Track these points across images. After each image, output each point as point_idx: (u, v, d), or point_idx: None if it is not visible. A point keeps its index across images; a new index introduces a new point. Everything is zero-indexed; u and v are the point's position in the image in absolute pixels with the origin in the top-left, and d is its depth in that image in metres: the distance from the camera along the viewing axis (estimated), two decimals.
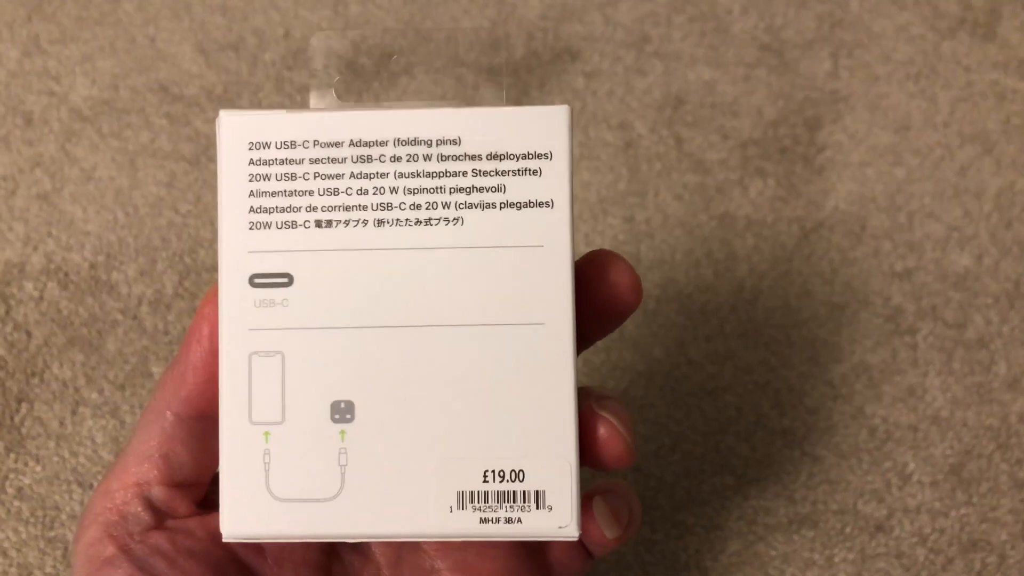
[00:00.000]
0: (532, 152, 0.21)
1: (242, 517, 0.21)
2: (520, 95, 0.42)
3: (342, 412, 0.21)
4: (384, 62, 0.43)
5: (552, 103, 0.42)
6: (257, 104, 0.42)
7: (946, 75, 0.42)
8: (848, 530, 0.34)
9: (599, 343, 0.37)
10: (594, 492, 0.24)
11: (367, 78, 0.42)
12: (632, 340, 0.38)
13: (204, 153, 0.40)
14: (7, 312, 0.37)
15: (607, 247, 0.39)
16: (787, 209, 0.40)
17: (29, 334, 0.37)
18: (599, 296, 0.22)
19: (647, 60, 0.43)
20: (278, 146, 0.21)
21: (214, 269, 0.38)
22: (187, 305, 0.38)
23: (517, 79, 0.42)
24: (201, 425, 0.23)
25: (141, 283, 0.38)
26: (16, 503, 0.34)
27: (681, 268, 0.39)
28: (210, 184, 0.40)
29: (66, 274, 0.38)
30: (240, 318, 0.21)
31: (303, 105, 0.42)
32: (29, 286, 0.38)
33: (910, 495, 0.35)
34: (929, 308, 0.38)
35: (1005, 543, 0.34)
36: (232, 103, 0.41)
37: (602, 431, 0.22)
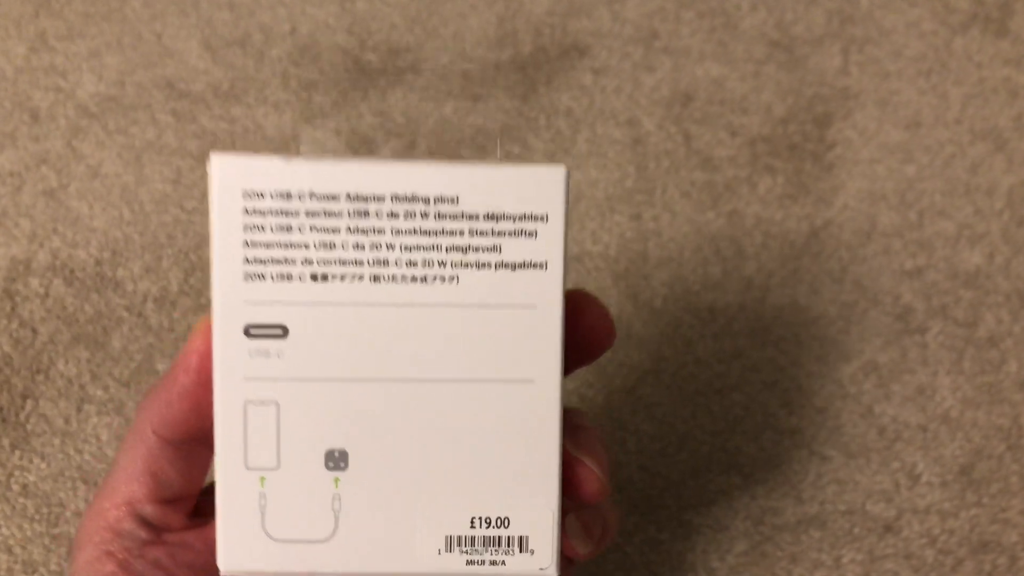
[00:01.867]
0: (528, 214, 0.21)
1: (238, 554, 0.22)
2: (528, 92, 0.42)
3: (336, 460, 0.22)
4: (391, 59, 0.43)
5: (560, 100, 0.42)
6: (263, 101, 0.41)
7: (957, 71, 0.42)
8: (856, 530, 0.34)
9: None
10: (569, 507, 0.25)
11: (373, 76, 0.42)
12: (639, 338, 0.37)
13: (210, 149, 0.40)
14: (13, 309, 0.37)
15: (614, 245, 0.39)
16: (796, 207, 0.40)
17: (35, 331, 0.37)
18: (575, 336, 0.23)
19: (655, 56, 0.42)
20: (273, 196, 0.21)
21: None
22: (192, 302, 0.37)
23: (525, 75, 0.42)
24: (187, 446, 0.23)
25: (146, 280, 0.38)
26: (21, 500, 0.34)
27: (689, 266, 0.39)
28: None
29: (72, 271, 0.38)
30: (235, 367, 0.21)
31: (308, 102, 0.42)
32: (35, 283, 0.38)
33: (919, 495, 0.35)
34: (939, 307, 0.38)
35: (1015, 544, 0.34)
36: (238, 99, 0.41)
37: (579, 472, 0.23)
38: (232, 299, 0.21)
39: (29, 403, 0.36)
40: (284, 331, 0.21)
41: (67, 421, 0.35)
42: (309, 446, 0.21)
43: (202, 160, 0.40)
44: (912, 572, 0.34)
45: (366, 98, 0.41)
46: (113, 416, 0.35)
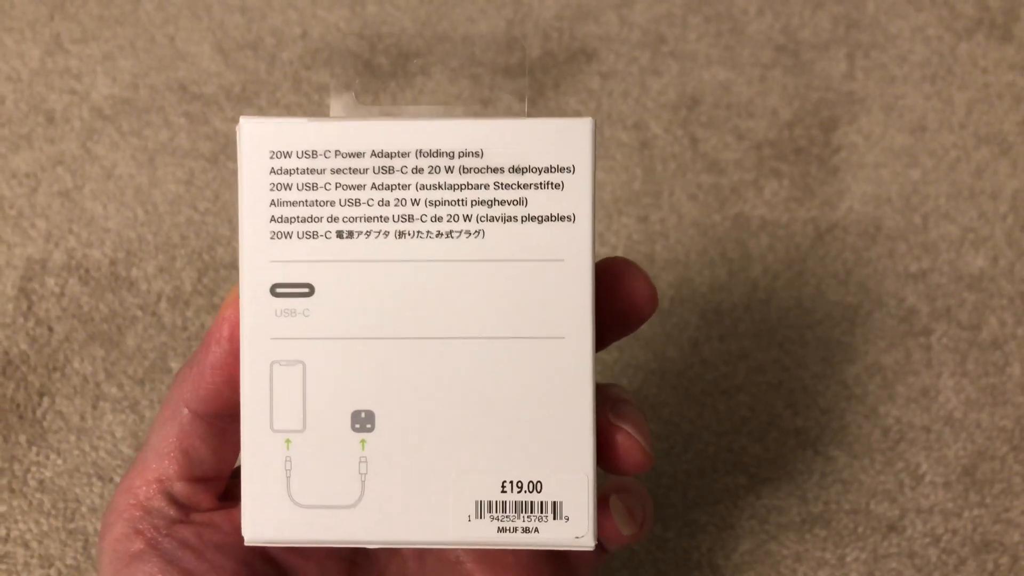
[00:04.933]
0: (555, 166, 0.21)
1: (263, 521, 0.21)
2: (536, 95, 0.42)
3: (363, 422, 0.21)
4: (401, 63, 0.43)
5: (568, 103, 0.42)
6: (275, 104, 0.42)
7: (962, 76, 0.42)
8: (860, 530, 0.34)
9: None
10: (610, 490, 0.25)
11: (384, 79, 0.43)
12: (646, 339, 0.38)
13: (222, 151, 0.41)
14: (29, 308, 0.38)
15: (621, 247, 0.39)
16: (802, 210, 0.40)
17: (51, 329, 0.38)
18: (615, 304, 0.22)
19: (662, 60, 0.43)
20: (299, 155, 0.21)
21: (232, 266, 0.39)
22: (205, 302, 0.38)
23: (532, 79, 0.43)
24: (219, 422, 0.23)
25: (160, 280, 0.38)
26: (38, 495, 0.35)
27: (695, 268, 0.39)
28: (228, 182, 0.40)
29: (87, 270, 0.39)
30: (261, 327, 0.21)
31: (320, 104, 0.42)
32: (51, 282, 0.38)
33: (923, 495, 0.35)
34: (943, 309, 0.38)
35: (1018, 544, 0.34)
36: (250, 102, 0.42)
37: (621, 440, 0.22)
38: (258, 259, 0.21)
39: (45, 400, 0.36)
40: (310, 290, 0.21)
41: (83, 418, 0.36)
42: (335, 407, 0.21)
43: (214, 162, 0.41)
44: (915, 571, 0.34)
45: (376, 102, 0.42)
46: (128, 413, 0.36)
